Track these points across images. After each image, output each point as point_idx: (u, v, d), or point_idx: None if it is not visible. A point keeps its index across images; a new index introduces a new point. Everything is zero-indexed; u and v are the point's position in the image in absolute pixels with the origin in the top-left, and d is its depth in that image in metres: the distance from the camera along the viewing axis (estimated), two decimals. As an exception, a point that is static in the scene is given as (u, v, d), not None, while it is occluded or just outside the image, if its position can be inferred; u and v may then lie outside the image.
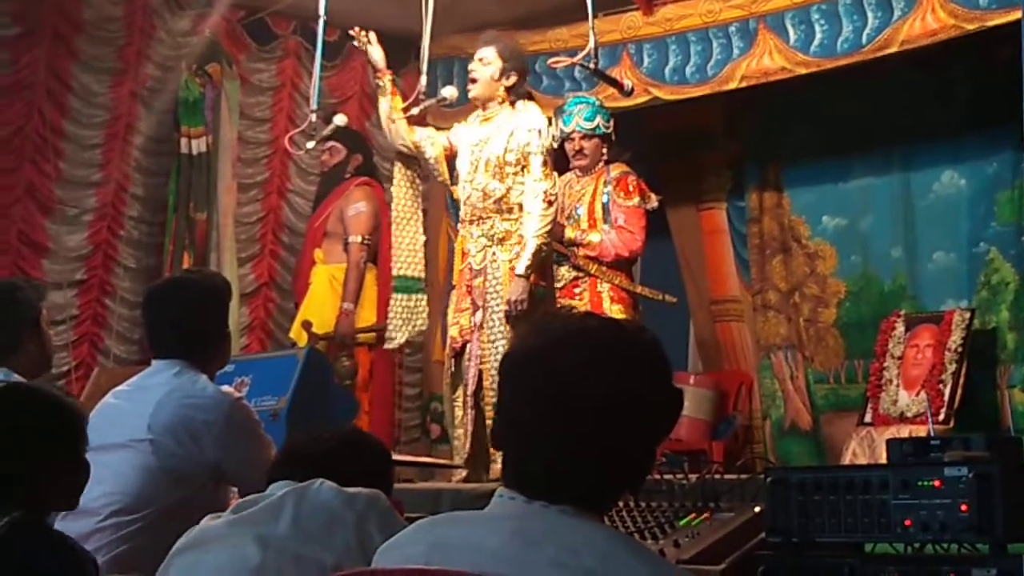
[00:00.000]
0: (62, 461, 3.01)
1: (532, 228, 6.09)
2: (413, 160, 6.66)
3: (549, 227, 6.15)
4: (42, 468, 2.95)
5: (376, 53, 6.57)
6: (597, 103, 7.17)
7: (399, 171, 6.80)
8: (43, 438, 2.98)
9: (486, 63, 6.26)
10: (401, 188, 6.82)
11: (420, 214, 6.98)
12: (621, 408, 2.03)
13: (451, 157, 6.50)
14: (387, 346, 7.19)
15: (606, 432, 2.02)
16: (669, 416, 2.12)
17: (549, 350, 2.06)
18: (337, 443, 3.10)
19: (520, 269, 6.07)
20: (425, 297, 6.97)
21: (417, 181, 6.82)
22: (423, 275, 7.05)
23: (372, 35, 6.64)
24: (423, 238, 7.03)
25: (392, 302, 6.93)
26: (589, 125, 7.02)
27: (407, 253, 6.93)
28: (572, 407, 2.01)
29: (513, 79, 6.27)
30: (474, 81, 6.30)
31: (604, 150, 7.13)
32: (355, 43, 6.68)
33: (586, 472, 2.04)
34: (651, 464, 2.14)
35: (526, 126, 6.18)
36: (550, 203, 6.12)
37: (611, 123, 7.12)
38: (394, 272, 6.99)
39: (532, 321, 2.21)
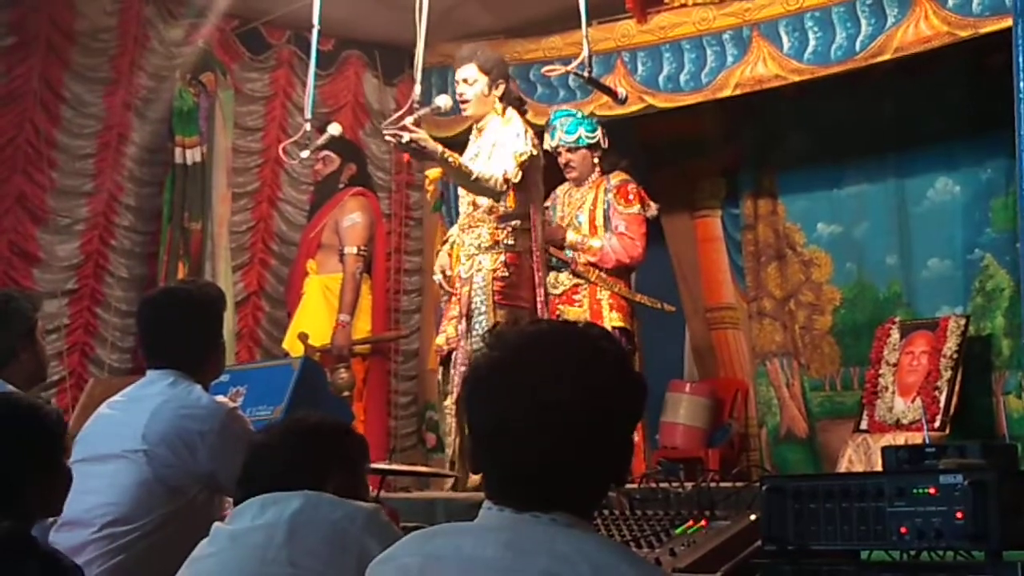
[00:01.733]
0: (44, 469, 3.01)
1: (477, 167, 6.10)
2: None
3: (487, 184, 6.10)
4: (24, 476, 2.95)
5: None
6: (580, 115, 7.29)
7: None
8: (23, 446, 2.97)
9: (472, 82, 6.27)
10: None
11: None
12: (593, 404, 2.05)
13: None
14: None
15: (582, 431, 2.04)
16: (638, 402, 2.16)
17: (512, 360, 2.08)
18: (287, 435, 3.11)
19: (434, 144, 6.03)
20: None
21: None
22: None
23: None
24: None
25: None
26: (570, 138, 7.13)
27: None
28: (545, 412, 2.02)
29: (502, 86, 6.30)
30: (466, 102, 6.31)
31: (595, 160, 7.22)
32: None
33: (570, 474, 2.05)
34: (631, 453, 2.18)
35: (505, 134, 6.22)
36: (505, 181, 6.10)
37: (596, 132, 7.24)
38: None
39: (487, 337, 2.21)
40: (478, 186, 6.15)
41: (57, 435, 3.08)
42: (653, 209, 7.30)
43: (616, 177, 7.32)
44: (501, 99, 6.30)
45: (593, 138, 7.25)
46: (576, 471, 2.05)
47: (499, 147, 6.20)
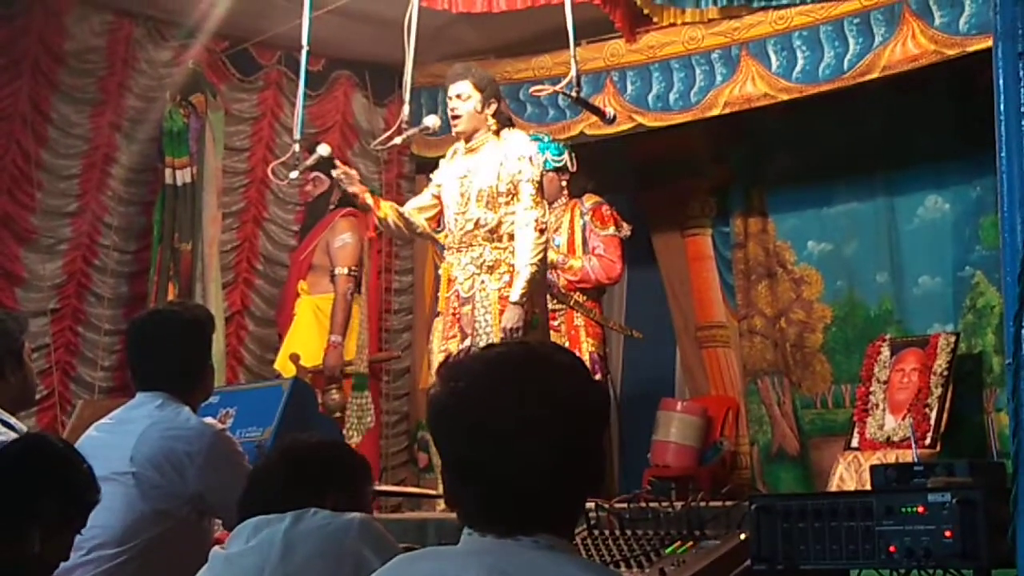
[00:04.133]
0: (57, 520, 3.06)
1: (525, 257, 6.07)
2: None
3: (541, 255, 6.14)
4: (33, 518, 3.00)
5: (354, 186, 6.54)
6: (547, 138, 7.39)
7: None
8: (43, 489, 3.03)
9: (465, 98, 6.24)
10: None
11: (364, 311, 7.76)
12: (556, 420, 2.05)
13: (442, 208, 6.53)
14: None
15: (550, 448, 2.04)
16: (600, 409, 2.17)
17: (470, 390, 2.07)
18: (285, 458, 3.12)
19: (515, 296, 6.05)
20: (368, 396, 7.75)
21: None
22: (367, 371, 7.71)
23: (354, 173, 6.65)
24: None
25: (351, 399, 7.57)
26: None
27: (363, 349, 7.65)
28: (511, 437, 2.02)
29: (494, 106, 6.27)
30: (457, 118, 6.28)
31: (563, 183, 7.40)
32: (338, 178, 6.65)
33: (545, 493, 2.05)
34: (603, 461, 2.17)
35: (515, 154, 6.18)
36: (541, 231, 6.12)
37: (563, 156, 7.42)
38: (349, 370, 7.56)
39: (443, 366, 2.23)
40: (544, 260, 6.23)
41: (75, 494, 3.14)
42: (626, 230, 7.60)
43: (590, 200, 7.57)
44: (494, 116, 6.28)
45: (560, 161, 7.41)
46: (551, 491, 2.05)
47: (507, 166, 6.17)
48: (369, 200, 6.51)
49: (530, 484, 2.02)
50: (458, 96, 6.25)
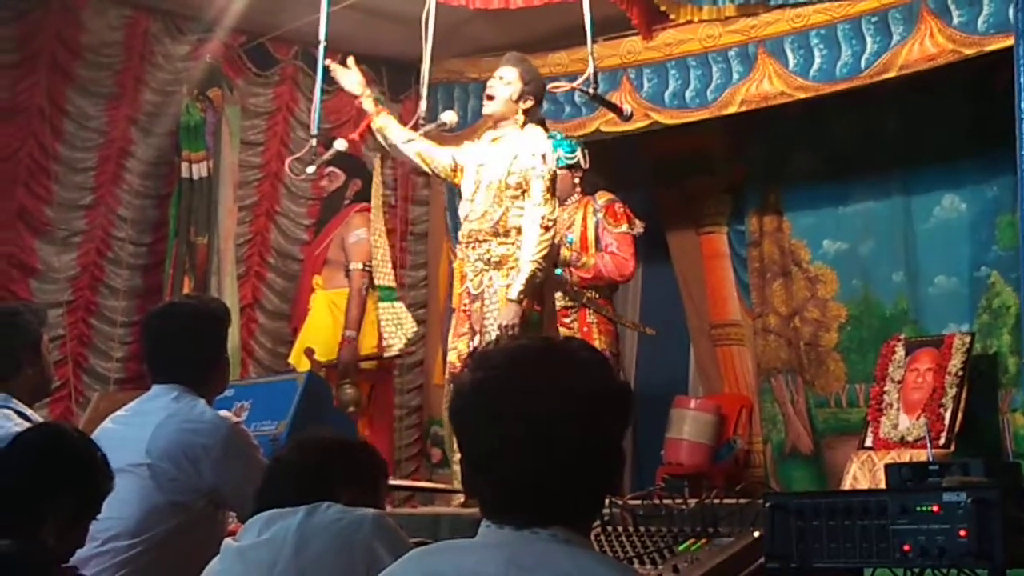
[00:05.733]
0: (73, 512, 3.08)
1: (528, 252, 6.03)
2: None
3: (545, 252, 6.08)
4: (48, 511, 3.02)
5: (351, 78, 6.51)
6: (559, 136, 7.35)
7: (377, 176, 7.24)
8: (57, 482, 3.05)
9: (506, 82, 6.19)
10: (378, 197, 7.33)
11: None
12: (580, 415, 2.05)
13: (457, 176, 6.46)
14: (386, 355, 7.83)
15: (572, 443, 2.04)
16: (624, 408, 2.16)
17: (496, 380, 2.08)
18: (301, 452, 3.13)
19: (513, 294, 6.01)
20: (402, 304, 7.83)
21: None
22: (395, 284, 7.80)
23: (350, 60, 6.60)
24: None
25: (380, 311, 7.61)
26: None
27: (385, 263, 7.73)
28: (534, 428, 2.03)
29: (531, 103, 6.22)
30: (491, 98, 6.21)
31: (576, 180, 7.37)
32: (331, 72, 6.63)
33: (565, 487, 2.05)
34: (622, 462, 2.17)
35: (530, 150, 6.13)
36: (547, 228, 6.06)
37: (576, 153, 7.39)
38: (376, 282, 7.65)
39: (470, 357, 2.26)
40: (549, 257, 6.19)
41: (91, 485, 3.17)
42: (639, 227, 7.57)
43: (602, 197, 7.55)
44: (525, 113, 6.23)
45: (572, 159, 7.39)
46: (570, 484, 2.05)
47: (520, 161, 6.14)
48: (369, 106, 6.48)
49: (543, 476, 2.03)
50: (501, 78, 6.21)
